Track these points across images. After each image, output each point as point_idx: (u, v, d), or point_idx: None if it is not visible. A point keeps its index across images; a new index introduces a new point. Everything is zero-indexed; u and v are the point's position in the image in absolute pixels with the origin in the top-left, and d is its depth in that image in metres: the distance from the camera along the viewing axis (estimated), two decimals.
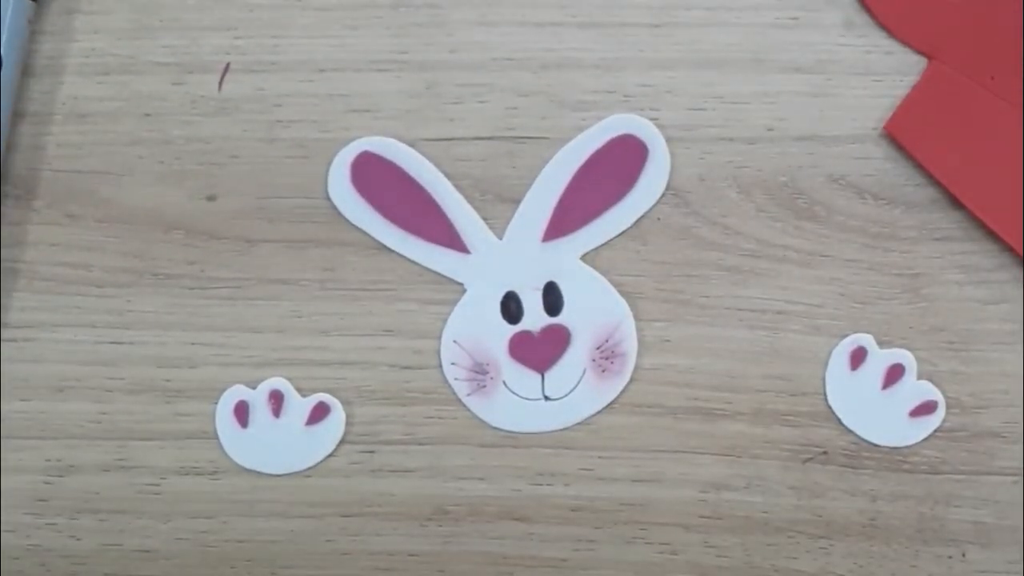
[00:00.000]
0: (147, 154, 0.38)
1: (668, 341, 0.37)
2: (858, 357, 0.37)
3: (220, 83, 0.38)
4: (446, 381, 0.37)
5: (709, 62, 0.37)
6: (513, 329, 0.37)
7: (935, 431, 0.37)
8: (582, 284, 0.37)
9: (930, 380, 0.37)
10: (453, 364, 0.37)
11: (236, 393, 0.37)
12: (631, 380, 0.37)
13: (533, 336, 0.37)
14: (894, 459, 0.37)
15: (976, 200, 0.36)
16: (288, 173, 0.38)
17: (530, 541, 0.37)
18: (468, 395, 0.37)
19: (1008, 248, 0.37)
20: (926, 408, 0.37)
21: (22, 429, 0.37)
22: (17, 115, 0.38)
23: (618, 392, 0.37)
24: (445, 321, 0.37)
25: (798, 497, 0.37)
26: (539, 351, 0.37)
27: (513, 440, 0.37)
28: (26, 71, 0.38)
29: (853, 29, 0.37)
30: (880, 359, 0.37)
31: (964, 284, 0.37)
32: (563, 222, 0.37)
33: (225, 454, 0.37)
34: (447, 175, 0.37)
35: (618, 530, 0.37)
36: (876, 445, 0.37)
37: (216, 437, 0.37)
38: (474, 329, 0.37)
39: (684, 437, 0.37)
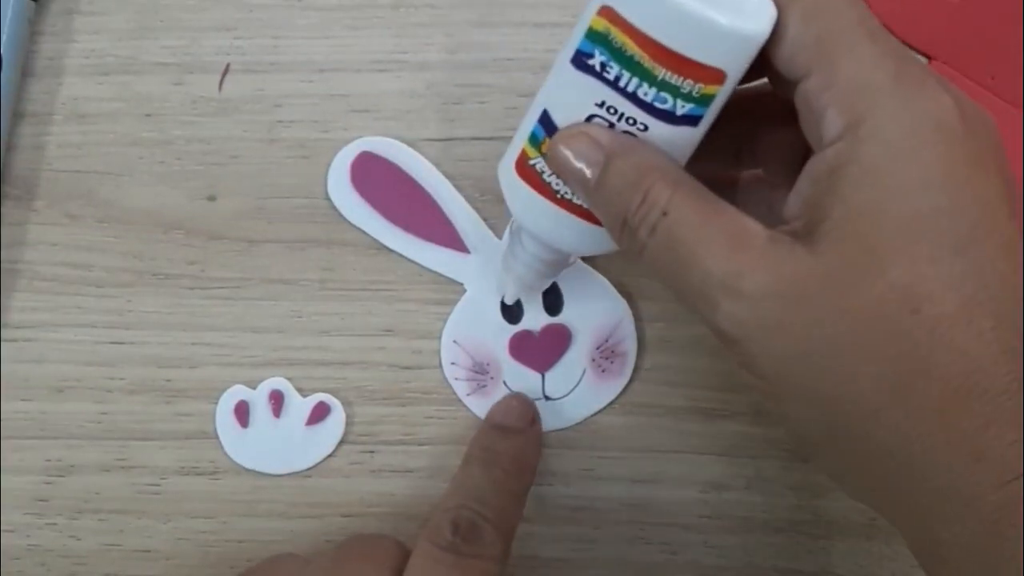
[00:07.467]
0: (147, 154, 0.38)
1: (668, 341, 0.37)
2: None
3: (220, 83, 0.38)
4: (446, 381, 0.37)
5: None
6: (513, 329, 0.37)
7: None
8: (582, 284, 0.37)
9: None
10: (453, 364, 0.37)
11: (236, 393, 0.37)
12: (631, 380, 0.37)
13: (533, 336, 0.37)
14: None
15: None
16: (288, 173, 0.38)
17: (530, 541, 0.37)
18: (468, 395, 0.37)
19: None
20: None
21: (22, 429, 0.37)
22: (17, 115, 0.38)
23: (618, 392, 0.37)
24: (445, 321, 0.37)
25: (798, 497, 0.37)
26: (539, 351, 0.37)
27: None
28: (26, 71, 0.38)
29: None
30: None
31: None
32: None
33: (225, 454, 0.37)
34: (447, 175, 0.37)
35: (618, 530, 0.37)
36: None
37: (216, 437, 0.37)
38: (474, 329, 0.37)
39: (684, 437, 0.37)
